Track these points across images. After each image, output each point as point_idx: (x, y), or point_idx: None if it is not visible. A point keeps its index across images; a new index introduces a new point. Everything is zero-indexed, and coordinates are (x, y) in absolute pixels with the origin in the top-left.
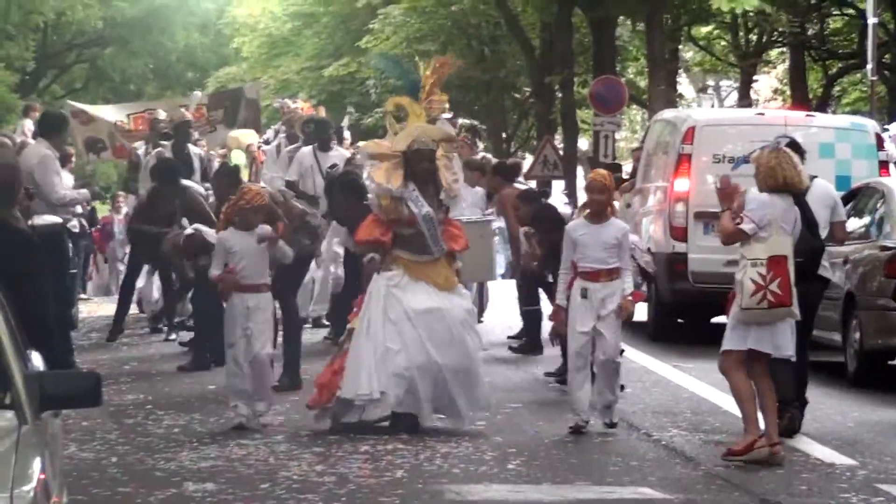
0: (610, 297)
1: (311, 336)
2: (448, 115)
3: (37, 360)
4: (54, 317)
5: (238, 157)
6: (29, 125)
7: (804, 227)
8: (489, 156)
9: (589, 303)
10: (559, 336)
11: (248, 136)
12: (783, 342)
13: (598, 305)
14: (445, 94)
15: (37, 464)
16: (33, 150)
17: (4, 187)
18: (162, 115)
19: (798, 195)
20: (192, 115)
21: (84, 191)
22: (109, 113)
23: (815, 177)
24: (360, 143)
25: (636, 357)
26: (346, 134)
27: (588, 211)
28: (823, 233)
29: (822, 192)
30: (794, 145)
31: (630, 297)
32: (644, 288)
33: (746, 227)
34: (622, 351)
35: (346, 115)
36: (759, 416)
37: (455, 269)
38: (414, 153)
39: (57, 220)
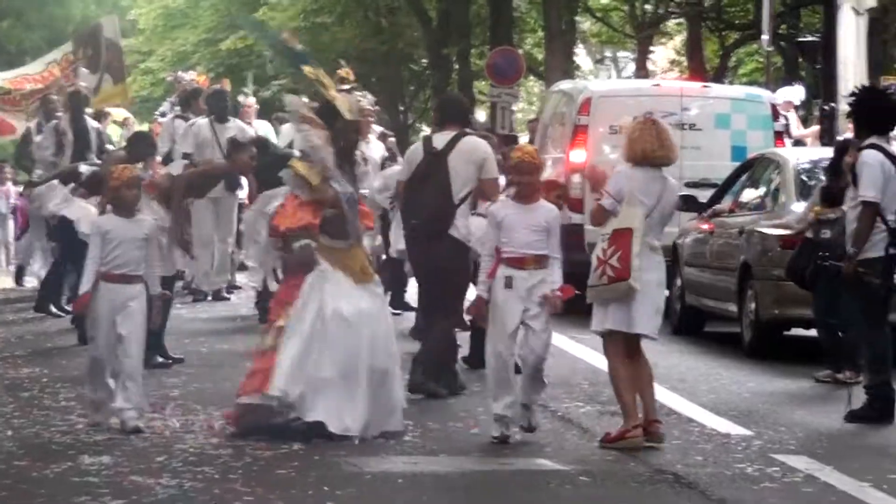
0: (538, 288)
1: (209, 309)
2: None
3: None
4: None
5: (113, 132)
6: None
7: (434, 186)
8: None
9: (514, 293)
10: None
11: (118, 114)
12: (639, 319)
13: (524, 296)
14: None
15: None
16: None
17: None
18: (54, 96)
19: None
20: (62, 66)
21: None
22: None
23: (467, 134)
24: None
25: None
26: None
27: (514, 191)
28: (465, 190)
29: (470, 148)
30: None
31: (558, 292)
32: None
33: (605, 202)
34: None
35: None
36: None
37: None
38: (348, 124)
39: None
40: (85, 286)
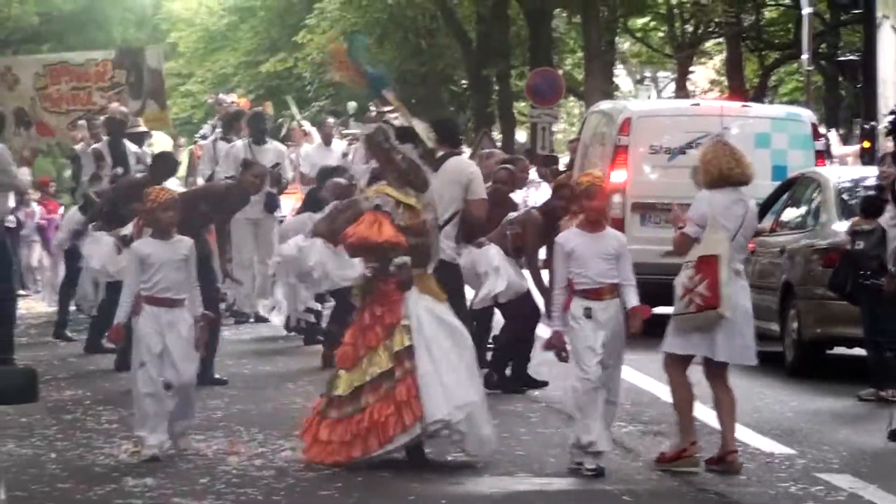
0: (613, 319)
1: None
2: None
3: None
4: None
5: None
6: None
7: None
8: None
9: (595, 324)
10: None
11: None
12: (725, 346)
13: (604, 328)
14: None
15: None
16: None
17: None
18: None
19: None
20: (98, 69)
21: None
22: (29, 65)
23: (454, 154)
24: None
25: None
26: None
27: (582, 219)
28: (449, 210)
29: (455, 168)
30: None
31: (640, 313)
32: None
33: (689, 230)
34: None
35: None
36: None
37: None
38: (426, 151)
39: None
40: (122, 314)
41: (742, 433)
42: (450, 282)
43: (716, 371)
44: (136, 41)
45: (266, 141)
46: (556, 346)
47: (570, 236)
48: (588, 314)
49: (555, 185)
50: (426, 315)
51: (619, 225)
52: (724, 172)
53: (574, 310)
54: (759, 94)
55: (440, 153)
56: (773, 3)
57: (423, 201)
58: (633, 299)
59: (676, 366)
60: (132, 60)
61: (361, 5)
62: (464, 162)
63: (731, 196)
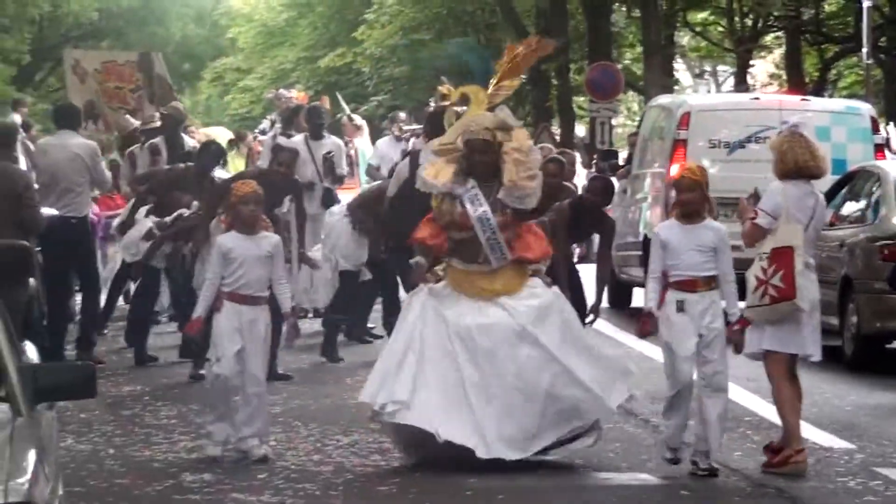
0: (709, 311)
1: (310, 325)
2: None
3: (31, 352)
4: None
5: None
6: (17, 119)
7: (417, 204)
8: None
9: (688, 317)
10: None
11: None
12: (805, 339)
13: (697, 320)
14: (518, 80)
15: (32, 456)
16: (78, 141)
17: None
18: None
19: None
20: (127, 74)
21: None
22: (92, 59)
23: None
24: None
25: (634, 343)
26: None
27: (677, 210)
28: None
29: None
30: None
31: (737, 328)
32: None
33: (762, 220)
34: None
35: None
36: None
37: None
38: (465, 144)
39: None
40: (201, 307)
41: (801, 427)
42: None
43: (786, 364)
44: (195, 37)
45: (324, 135)
46: (644, 327)
47: (666, 227)
48: (681, 307)
49: (589, 179)
50: (418, 312)
51: None
52: (799, 164)
53: (668, 302)
54: (819, 88)
55: None
56: None
57: (449, 191)
58: (731, 302)
59: (774, 366)
60: (148, 65)
61: (421, 0)
62: None
63: (803, 188)
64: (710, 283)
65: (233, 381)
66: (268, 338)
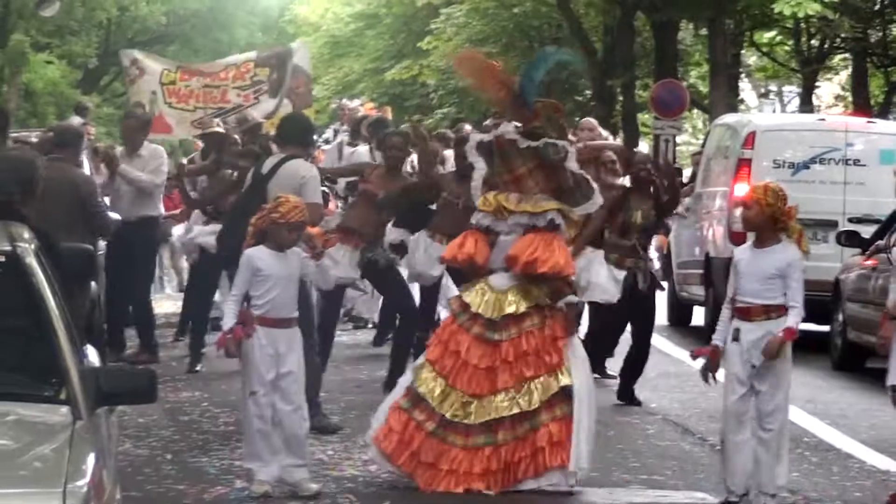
0: (763, 341)
1: (370, 335)
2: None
3: (92, 355)
4: None
5: None
6: (78, 121)
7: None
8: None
9: (739, 347)
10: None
11: None
12: None
13: (748, 351)
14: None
15: (91, 459)
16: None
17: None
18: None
19: None
20: (239, 71)
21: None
22: (162, 61)
23: (290, 158)
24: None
25: (693, 362)
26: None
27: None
28: None
29: (291, 172)
30: None
31: (780, 335)
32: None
33: None
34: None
35: None
36: None
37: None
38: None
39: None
40: (228, 320)
41: (858, 450)
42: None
43: None
44: (262, 44)
45: None
46: (710, 362)
47: (739, 251)
48: (736, 336)
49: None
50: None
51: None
52: None
53: (731, 330)
54: (885, 111)
55: (283, 154)
56: None
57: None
58: (788, 321)
59: None
60: (277, 59)
61: (487, 13)
62: (302, 165)
63: None
64: (769, 311)
65: (269, 418)
66: (302, 358)
